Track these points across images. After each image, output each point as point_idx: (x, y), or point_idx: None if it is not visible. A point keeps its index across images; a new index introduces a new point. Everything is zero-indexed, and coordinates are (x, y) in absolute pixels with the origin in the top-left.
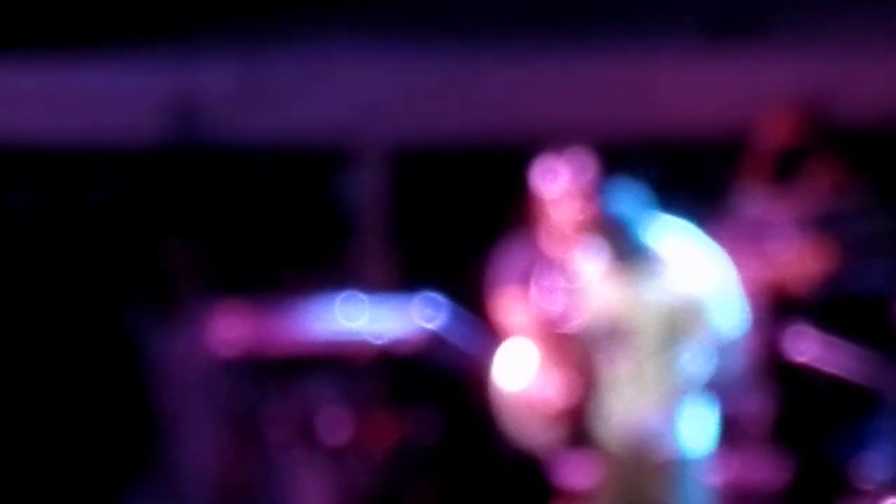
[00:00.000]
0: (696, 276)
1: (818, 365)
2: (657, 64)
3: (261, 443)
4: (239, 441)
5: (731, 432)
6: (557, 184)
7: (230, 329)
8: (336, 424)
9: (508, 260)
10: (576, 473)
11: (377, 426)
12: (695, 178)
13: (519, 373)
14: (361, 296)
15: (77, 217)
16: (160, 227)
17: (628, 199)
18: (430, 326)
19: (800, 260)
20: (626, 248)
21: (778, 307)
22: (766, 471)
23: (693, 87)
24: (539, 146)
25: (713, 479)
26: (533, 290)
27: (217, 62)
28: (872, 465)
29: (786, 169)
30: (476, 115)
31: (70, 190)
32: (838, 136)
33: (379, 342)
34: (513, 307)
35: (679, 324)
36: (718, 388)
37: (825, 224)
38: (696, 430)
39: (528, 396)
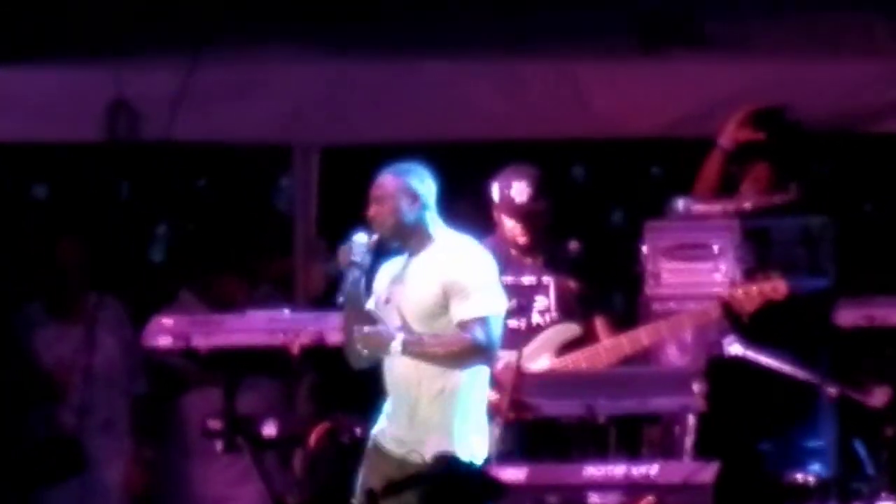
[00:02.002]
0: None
1: (755, 360)
2: (592, 67)
3: (179, 438)
4: (154, 438)
5: (664, 431)
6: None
7: (157, 325)
8: (266, 417)
9: None
10: None
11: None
12: (636, 179)
13: None
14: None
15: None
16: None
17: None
18: None
19: (748, 284)
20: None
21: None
22: (700, 469)
23: (629, 92)
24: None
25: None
26: None
27: (156, 64)
28: (812, 461)
29: (733, 168)
30: (411, 115)
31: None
32: (783, 137)
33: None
34: None
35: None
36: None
37: (756, 220)
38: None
39: None
